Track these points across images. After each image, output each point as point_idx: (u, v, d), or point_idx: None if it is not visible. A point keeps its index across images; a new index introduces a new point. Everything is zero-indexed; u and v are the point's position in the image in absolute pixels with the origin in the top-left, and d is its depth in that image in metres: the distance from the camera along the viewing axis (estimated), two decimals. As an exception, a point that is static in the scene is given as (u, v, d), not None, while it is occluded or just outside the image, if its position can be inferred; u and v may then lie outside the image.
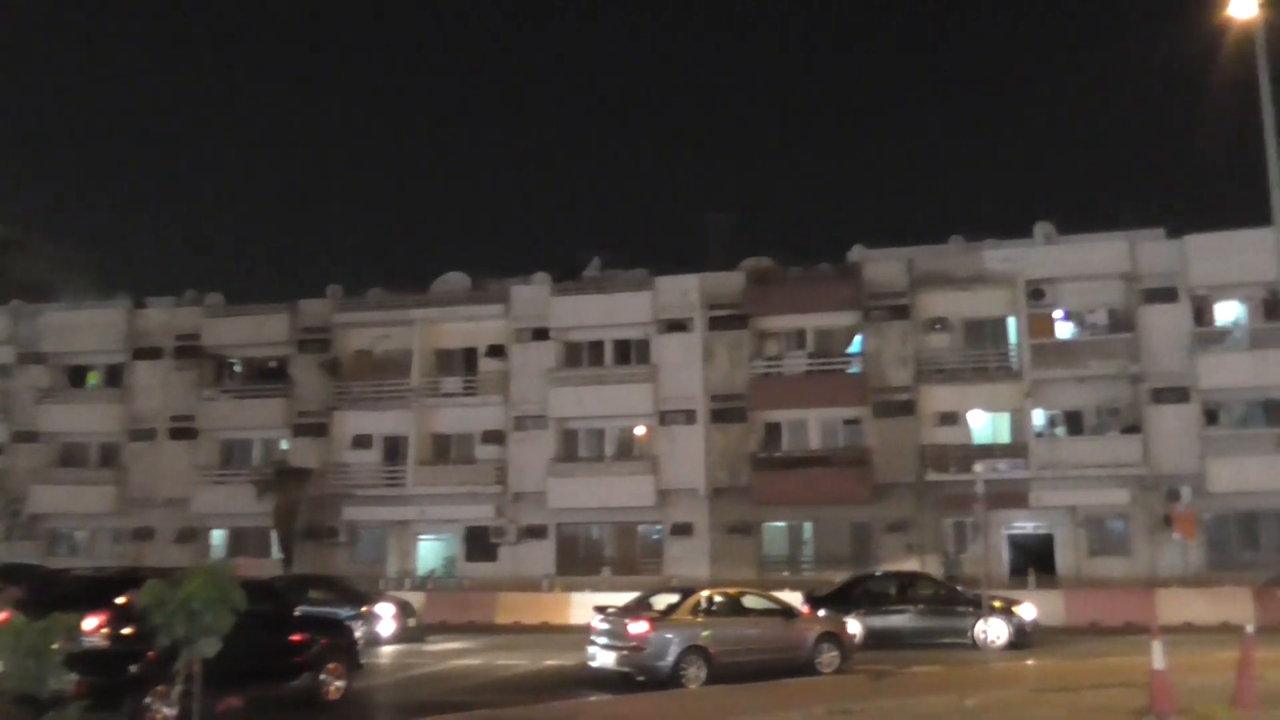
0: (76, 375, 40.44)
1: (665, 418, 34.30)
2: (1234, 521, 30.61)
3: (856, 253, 34.74)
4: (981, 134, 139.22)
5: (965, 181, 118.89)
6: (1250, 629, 12.62)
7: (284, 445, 37.55)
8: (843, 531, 33.05)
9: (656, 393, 34.27)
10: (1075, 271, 32.29)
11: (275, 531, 35.08)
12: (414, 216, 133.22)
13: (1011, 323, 32.81)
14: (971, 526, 30.51)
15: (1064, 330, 32.75)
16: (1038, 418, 32.16)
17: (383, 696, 16.25)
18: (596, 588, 30.14)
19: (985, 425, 32.88)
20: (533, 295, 36.13)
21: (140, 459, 38.24)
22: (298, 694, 14.16)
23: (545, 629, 28.27)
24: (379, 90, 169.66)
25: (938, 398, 32.68)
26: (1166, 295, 31.55)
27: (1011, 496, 30.49)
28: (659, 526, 34.29)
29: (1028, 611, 22.01)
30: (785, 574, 32.01)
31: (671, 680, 15.81)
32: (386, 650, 22.68)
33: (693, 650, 16.14)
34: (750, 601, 18.18)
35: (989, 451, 31.31)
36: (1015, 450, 31.70)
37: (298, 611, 15.69)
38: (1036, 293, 32.41)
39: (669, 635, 16.13)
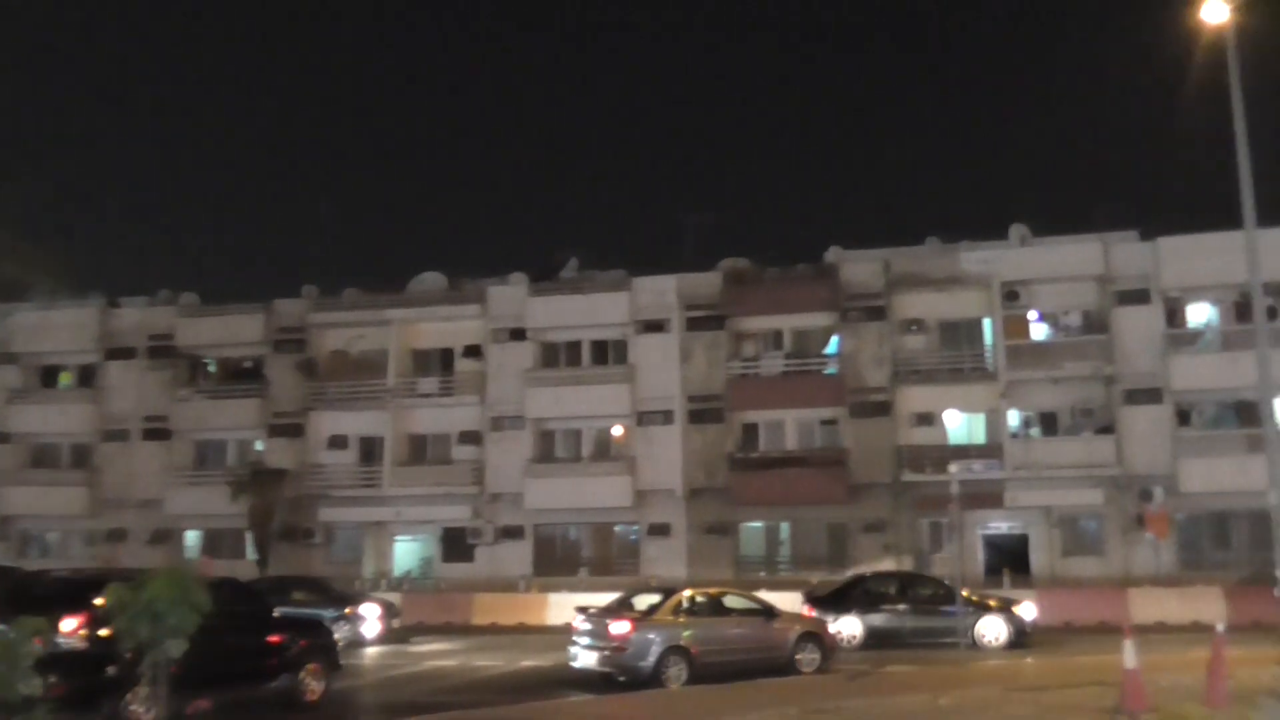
0: (49, 375, 40.02)
1: (642, 418, 34.35)
2: (1206, 521, 30.94)
3: (833, 254, 34.86)
4: (957, 136, 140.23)
5: (941, 183, 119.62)
6: (1221, 628, 12.79)
7: (259, 446, 37.27)
8: (819, 532, 33.16)
9: (634, 393, 34.30)
10: (1050, 273, 32.53)
11: (250, 533, 34.88)
12: (390, 216, 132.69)
13: (987, 324, 33.01)
14: (947, 527, 30.66)
15: (1038, 331, 33.00)
16: (1013, 418, 32.39)
17: (362, 697, 16.22)
18: (574, 588, 30.09)
19: (961, 426, 33.10)
20: (510, 295, 36.06)
21: (113, 460, 37.90)
22: (276, 695, 14.08)
23: (522, 629, 28.28)
24: (355, 90, 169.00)
25: (914, 398, 32.85)
26: (1139, 297, 31.85)
27: (986, 497, 30.65)
28: (636, 527, 34.30)
29: (1027, 611, 22.18)
30: (762, 574, 32.15)
31: (653, 680, 15.85)
32: (371, 651, 22.63)
33: (674, 650, 16.18)
34: (731, 602, 18.25)
35: (964, 452, 31.46)
36: (990, 451, 31.90)
37: (277, 612, 15.61)
38: (1011, 294, 32.65)
39: (651, 635, 16.16)
